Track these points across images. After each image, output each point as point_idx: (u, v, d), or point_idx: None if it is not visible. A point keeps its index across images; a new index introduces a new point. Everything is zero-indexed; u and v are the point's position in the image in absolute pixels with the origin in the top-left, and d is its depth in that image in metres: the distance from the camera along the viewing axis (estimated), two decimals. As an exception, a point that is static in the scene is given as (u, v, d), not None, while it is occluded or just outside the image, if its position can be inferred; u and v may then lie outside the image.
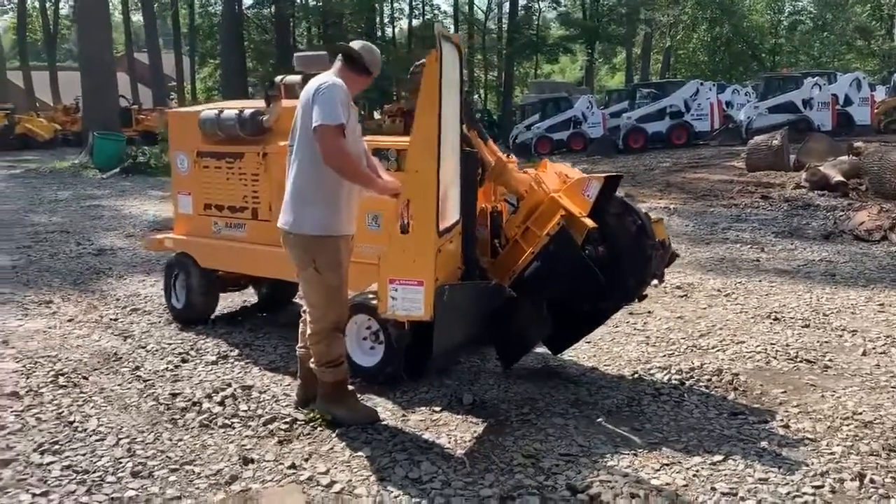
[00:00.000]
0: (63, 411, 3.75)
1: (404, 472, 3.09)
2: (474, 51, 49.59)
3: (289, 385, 4.12)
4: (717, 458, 3.19)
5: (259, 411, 3.75)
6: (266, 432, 3.53)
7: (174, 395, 3.96)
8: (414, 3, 47.11)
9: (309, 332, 3.52)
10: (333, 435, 3.47)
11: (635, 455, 3.24)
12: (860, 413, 3.62)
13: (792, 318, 5.27)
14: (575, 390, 4.00)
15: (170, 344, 4.84)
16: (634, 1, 38.89)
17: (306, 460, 3.22)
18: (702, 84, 23.84)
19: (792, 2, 50.28)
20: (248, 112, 4.69)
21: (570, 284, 3.67)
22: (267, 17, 43.13)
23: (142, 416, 3.72)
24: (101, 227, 9.59)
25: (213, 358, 4.57)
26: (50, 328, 5.19)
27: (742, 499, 2.86)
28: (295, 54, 4.75)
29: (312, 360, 3.55)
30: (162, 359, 4.58)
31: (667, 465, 3.14)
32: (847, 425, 3.50)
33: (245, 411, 3.76)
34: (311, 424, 3.58)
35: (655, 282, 3.92)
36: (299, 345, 3.77)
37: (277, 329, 5.17)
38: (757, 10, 50.49)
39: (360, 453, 3.27)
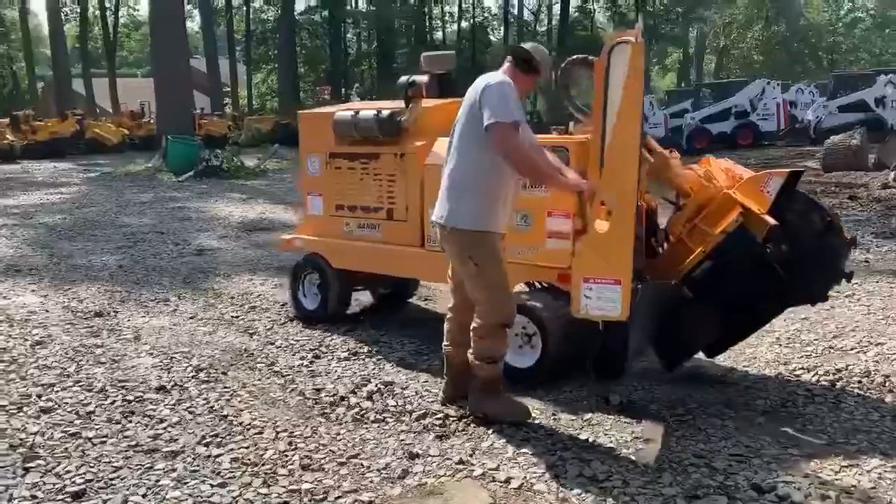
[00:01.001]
0: (213, 405, 3.80)
1: (577, 470, 3.06)
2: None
3: (426, 381, 4.14)
4: (898, 460, 3.09)
5: (408, 406, 3.77)
6: (421, 427, 3.54)
7: (318, 390, 4.01)
8: (464, 6, 47.21)
9: (474, 325, 3.49)
10: (490, 432, 3.46)
11: (808, 456, 3.16)
12: None
13: (925, 319, 5.10)
14: (723, 391, 3.93)
15: (297, 341, 4.90)
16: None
17: (471, 455, 3.22)
18: (768, 83, 23.35)
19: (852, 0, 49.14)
20: (386, 113, 4.71)
21: (750, 285, 3.54)
22: (318, 22, 43.75)
23: (291, 410, 3.77)
24: (192, 229, 9.78)
25: (345, 354, 4.61)
26: (175, 325, 5.30)
27: (940, 502, 2.77)
28: (422, 54, 4.81)
29: (472, 352, 3.53)
30: (294, 354, 4.64)
31: (846, 466, 3.06)
32: None
33: (394, 406, 3.78)
34: (464, 421, 3.58)
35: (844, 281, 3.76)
36: (445, 343, 3.77)
37: (398, 327, 5.20)
38: (814, 8, 49.44)
39: (524, 450, 3.26)
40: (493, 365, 3.50)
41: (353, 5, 48.36)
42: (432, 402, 3.83)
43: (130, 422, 3.60)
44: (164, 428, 3.54)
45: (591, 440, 3.37)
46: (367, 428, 3.55)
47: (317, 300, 5.24)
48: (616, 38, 3.15)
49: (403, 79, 4.72)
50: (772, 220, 3.47)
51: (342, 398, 3.88)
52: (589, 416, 3.65)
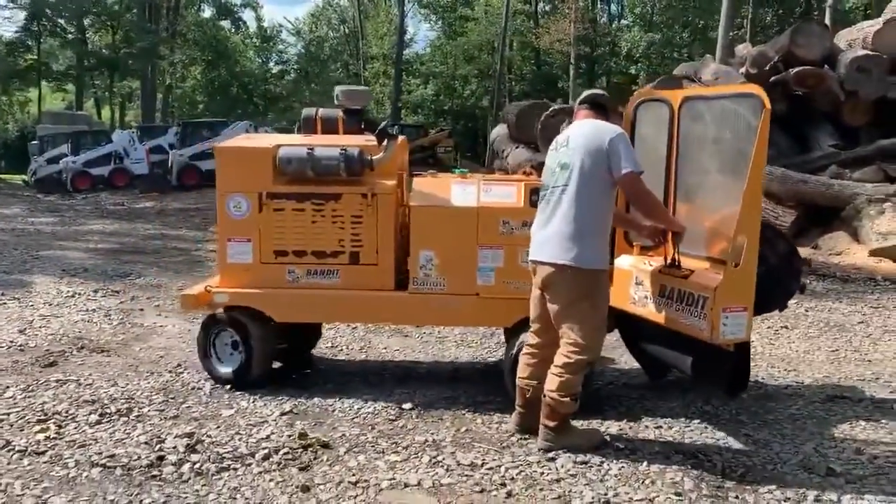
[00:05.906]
0: (-9, 503, 3.04)
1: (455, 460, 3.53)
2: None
3: (221, 427, 3.88)
4: None
5: (242, 450, 3.59)
6: (275, 465, 3.46)
7: (111, 457, 3.49)
8: None
9: (564, 361, 3.60)
10: (343, 452, 3.60)
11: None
12: None
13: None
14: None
15: (6, 414, 3.98)
16: (151, 38, 37.99)
17: (356, 475, 3.36)
18: (251, 125, 24.81)
19: (279, 53, 55.09)
20: (353, 150, 4.35)
21: None
22: None
23: (112, 482, 3.25)
24: None
25: (95, 417, 3.96)
26: None
27: None
28: (339, 88, 4.72)
29: (554, 390, 3.61)
30: (21, 430, 3.81)
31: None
32: None
33: (228, 453, 3.56)
34: (310, 450, 3.62)
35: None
36: (524, 378, 3.84)
37: (124, 378, 4.61)
38: (248, 58, 53.88)
39: (389, 458, 3.55)
40: (575, 401, 3.66)
41: None
42: (256, 442, 3.70)
43: None
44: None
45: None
46: (221, 478, 3.32)
47: (235, 361, 4.54)
48: (646, 95, 3.75)
49: (308, 111, 4.51)
50: None
51: (159, 458, 3.48)
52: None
